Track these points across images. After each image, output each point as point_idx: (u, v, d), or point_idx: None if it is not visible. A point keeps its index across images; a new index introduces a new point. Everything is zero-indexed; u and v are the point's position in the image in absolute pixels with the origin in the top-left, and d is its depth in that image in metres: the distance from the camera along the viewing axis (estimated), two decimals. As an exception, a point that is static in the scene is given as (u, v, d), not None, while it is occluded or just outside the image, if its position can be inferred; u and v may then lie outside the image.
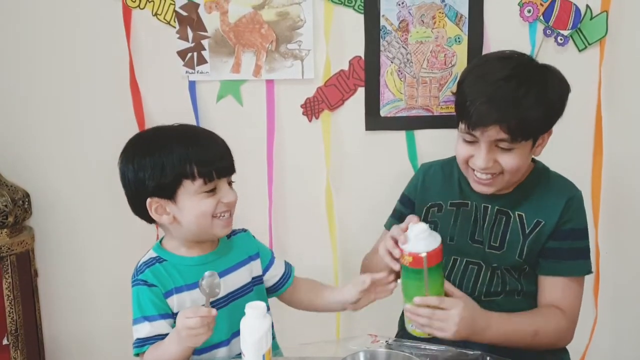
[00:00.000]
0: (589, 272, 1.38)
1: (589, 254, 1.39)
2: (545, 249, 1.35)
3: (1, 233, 2.03)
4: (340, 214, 2.13)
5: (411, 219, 1.21)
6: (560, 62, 1.95)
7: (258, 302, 0.96)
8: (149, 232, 2.14)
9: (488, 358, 1.15)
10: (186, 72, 2.05)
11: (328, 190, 2.11)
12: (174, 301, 1.20)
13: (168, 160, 1.18)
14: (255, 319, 0.94)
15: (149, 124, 2.10)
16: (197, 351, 1.21)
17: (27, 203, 2.11)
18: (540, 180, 1.40)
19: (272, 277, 1.36)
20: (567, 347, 1.46)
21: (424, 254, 1.12)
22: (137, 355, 1.20)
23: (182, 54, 2.03)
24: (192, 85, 2.07)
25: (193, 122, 2.05)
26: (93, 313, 2.28)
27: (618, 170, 2.04)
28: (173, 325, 1.19)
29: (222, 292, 1.22)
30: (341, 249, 2.13)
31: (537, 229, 1.34)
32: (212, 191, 1.20)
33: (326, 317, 2.06)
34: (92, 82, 2.09)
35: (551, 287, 1.35)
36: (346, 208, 2.14)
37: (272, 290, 1.38)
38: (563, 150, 1.84)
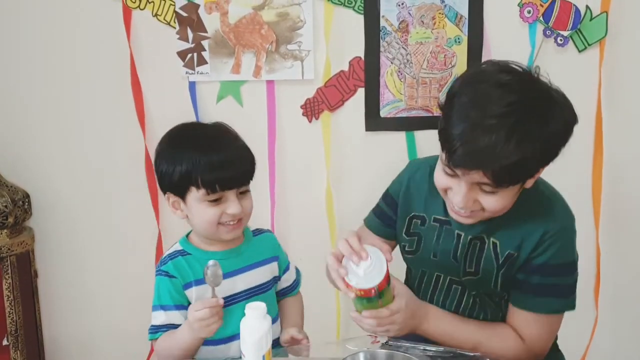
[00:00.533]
0: (564, 310, 1.23)
1: (568, 292, 1.22)
2: (515, 279, 1.22)
3: (1, 234, 2.03)
4: (340, 214, 2.13)
5: (352, 256, 1.07)
6: (560, 62, 1.98)
7: (258, 303, 0.96)
8: (148, 232, 2.15)
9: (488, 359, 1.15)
10: (186, 72, 2.05)
11: (328, 190, 2.11)
12: (192, 293, 1.23)
13: (178, 166, 1.19)
14: (255, 319, 0.94)
15: (150, 125, 2.10)
16: (213, 342, 1.24)
17: (27, 204, 2.11)
18: (525, 205, 1.19)
19: (284, 281, 1.38)
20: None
21: (374, 287, 1.05)
22: (151, 340, 1.24)
23: (182, 54, 2.03)
24: (192, 85, 2.07)
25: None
26: (93, 313, 2.28)
27: (618, 170, 2.05)
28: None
29: (242, 287, 1.26)
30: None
31: (509, 260, 1.21)
32: (217, 201, 1.20)
33: (326, 319, 2.07)
34: (93, 83, 2.10)
35: (518, 319, 1.23)
36: (346, 208, 2.14)
37: (278, 294, 1.40)
38: (563, 151, 1.84)
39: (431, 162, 1.32)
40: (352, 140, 2.09)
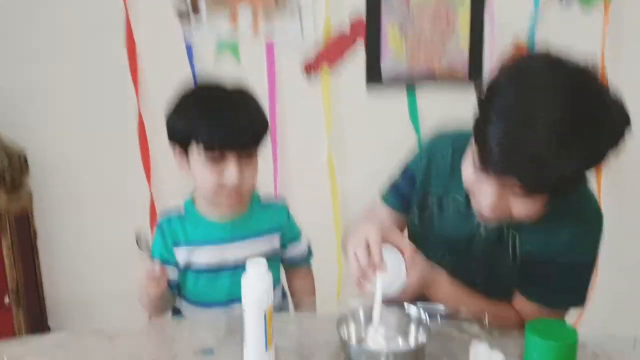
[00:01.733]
0: (575, 306, 1.20)
1: (583, 290, 1.18)
2: (530, 272, 1.18)
3: (-1, 193, 2.03)
4: (341, 174, 2.13)
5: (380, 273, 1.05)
6: (564, 22, 1.94)
7: (259, 259, 0.96)
8: (145, 191, 2.15)
9: (486, 317, 1.16)
10: (183, 30, 2.02)
11: (329, 150, 2.10)
12: (180, 253, 1.25)
13: (183, 121, 1.18)
14: (256, 275, 0.94)
15: (144, 84, 2.08)
16: (196, 304, 1.28)
17: (24, 164, 2.10)
18: (554, 203, 1.06)
19: (290, 251, 1.38)
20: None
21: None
22: None
23: (179, 12, 1.99)
24: (189, 44, 2.04)
25: (190, 82, 2.02)
26: (93, 272, 2.30)
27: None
28: (176, 274, 1.27)
29: (232, 257, 1.25)
30: (343, 207, 2.14)
31: (528, 256, 1.16)
32: (217, 163, 1.16)
33: (327, 279, 2.09)
34: (87, 41, 2.06)
35: (523, 305, 1.20)
36: (347, 167, 2.14)
37: (284, 263, 1.40)
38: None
39: (455, 143, 1.24)
40: (352, 99, 2.08)
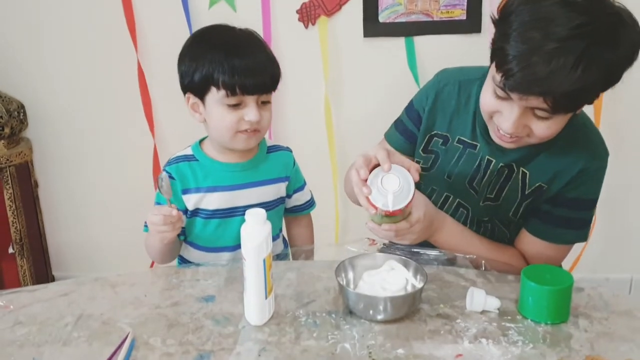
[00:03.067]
0: (578, 242, 1.23)
1: (586, 225, 1.21)
2: (537, 209, 1.21)
3: (-2, 145, 2.03)
4: (338, 123, 2.12)
5: (380, 171, 1.02)
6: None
7: (258, 209, 0.97)
8: (147, 139, 2.15)
9: (483, 261, 1.18)
10: (177, -24, 1.97)
11: (326, 98, 2.09)
12: (190, 199, 1.25)
13: (200, 63, 1.17)
14: (255, 224, 0.95)
15: (141, 33, 2.04)
16: (205, 249, 1.29)
17: (22, 114, 2.09)
18: (564, 138, 1.12)
19: (295, 200, 1.38)
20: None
21: (401, 208, 1.02)
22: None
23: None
24: (183, -8, 2.00)
25: (185, 30, 1.99)
26: (95, 221, 2.32)
27: (618, 108, 2.02)
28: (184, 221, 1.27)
29: (243, 202, 1.26)
30: (340, 153, 2.15)
31: (538, 192, 1.19)
32: (237, 106, 1.17)
33: (325, 225, 2.11)
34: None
35: (529, 244, 1.23)
36: (345, 116, 2.13)
37: (286, 211, 1.41)
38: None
39: (461, 76, 1.26)
40: (350, 46, 2.04)
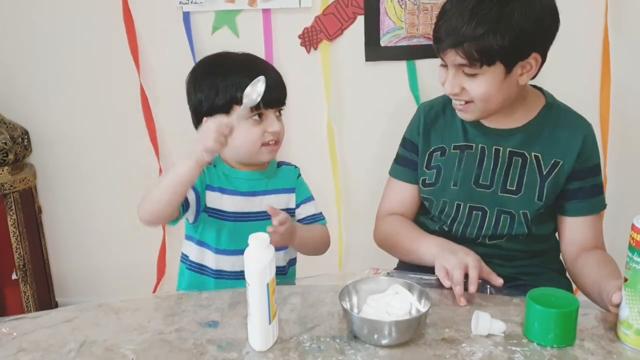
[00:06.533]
0: (605, 206, 1.35)
1: (602, 189, 1.35)
2: (567, 190, 1.30)
3: (2, 171, 2.03)
4: (341, 147, 2.13)
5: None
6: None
7: (261, 234, 0.97)
8: (150, 164, 2.16)
9: (488, 286, 1.17)
10: (180, 2, 1.99)
11: (329, 123, 2.10)
12: (210, 195, 1.30)
13: (222, 85, 1.24)
14: (258, 249, 0.95)
15: (144, 57, 2.07)
16: (224, 252, 1.31)
17: (26, 140, 2.10)
18: (551, 117, 1.31)
19: (303, 211, 1.39)
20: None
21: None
22: None
23: (175, -16, 1.97)
24: (186, 16, 2.02)
25: (188, 55, 2.02)
26: (98, 247, 2.32)
27: (626, 98, 2.02)
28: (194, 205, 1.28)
29: (258, 209, 1.31)
30: (343, 177, 2.15)
31: (556, 169, 1.29)
32: (259, 119, 1.26)
33: (328, 253, 2.11)
34: (86, 18, 2.05)
35: (581, 228, 1.32)
36: (347, 141, 2.13)
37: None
38: (569, 77, 1.82)
39: (442, 100, 1.41)
40: (352, 70, 2.06)
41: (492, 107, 1.26)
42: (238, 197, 1.31)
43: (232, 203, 1.31)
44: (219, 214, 1.31)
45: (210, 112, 1.25)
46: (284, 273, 1.38)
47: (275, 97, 1.27)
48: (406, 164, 1.43)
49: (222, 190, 1.31)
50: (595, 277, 1.20)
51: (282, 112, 1.31)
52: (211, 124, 1.12)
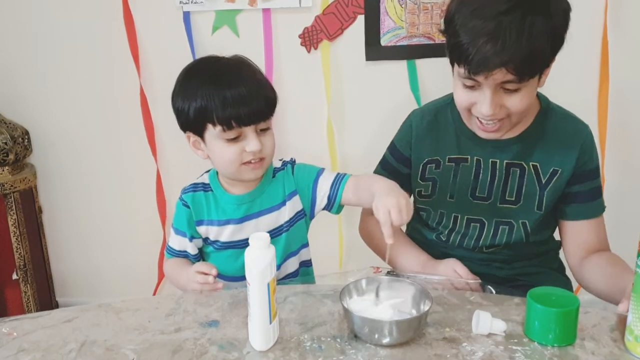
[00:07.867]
0: (604, 208, 1.32)
1: (601, 192, 1.32)
2: (568, 193, 1.28)
3: (3, 171, 2.03)
4: (342, 147, 2.13)
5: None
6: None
7: (262, 234, 0.97)
8: (150, 164, 2.16)
9: (488, 286, 1.17)
10: (180, 2, 1.99)
11: (329, 122, 2.10)
12: (202, 229, 1.27)
13: (192, 102, 1.15)
14: (259, 249, 0.95)
15: (144, 58, 2.07)
16: (225, 278, 1.27)
17: (26, 140, 2.10)
18: (548, 124, 1.27)
19: (324, 187, 1.28)
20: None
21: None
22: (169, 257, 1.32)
23: (175, -17, 1.97)
24: (186, 16, 2.02)
25: (188, 56, 2.01)
26: (99, 247, 2.32)
27: (625, 94, 2.02)
28: (200, 246, 1.30)
29: (258, 231, 1.24)
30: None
31: (555, 177, 1.26)
32: (236, 139, 1.15)
33: (329, 248, 2.11)
34: (86, 17, 2.05)
35: (585, 232, 1.29)
36: (348, 140, 2.13)
37: (328, 208, 1.30)
38: (568, 77, 1.81)
39: (434, 107, 1.36)
40: (352, 70, 2.06)
41: (523, 117, 1.22)
42: (234, 225, 1.25)
43: (228, 233, 1.26)
44: (215, 244, 1.28)
45: (188, 128, 1.19)
46: (295, 276, 1.34)
47: (249, 112, 1.13)
48: (390, 170, 1.38)
49: (217, 222, 1.26)
50: (612, 271, 1.20)
51: (268, 124, 1.19)
52: (199, 279, 1.16)
